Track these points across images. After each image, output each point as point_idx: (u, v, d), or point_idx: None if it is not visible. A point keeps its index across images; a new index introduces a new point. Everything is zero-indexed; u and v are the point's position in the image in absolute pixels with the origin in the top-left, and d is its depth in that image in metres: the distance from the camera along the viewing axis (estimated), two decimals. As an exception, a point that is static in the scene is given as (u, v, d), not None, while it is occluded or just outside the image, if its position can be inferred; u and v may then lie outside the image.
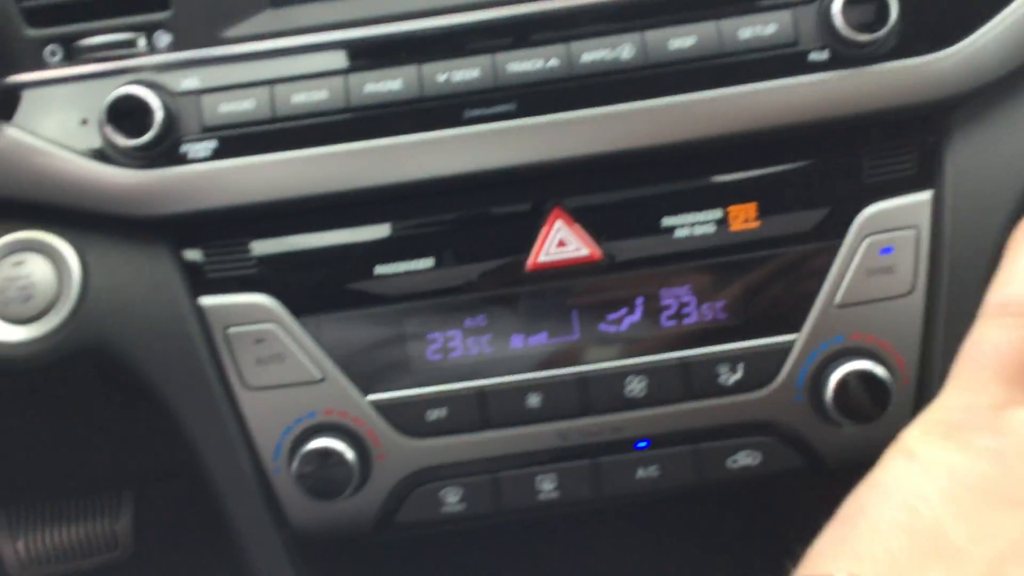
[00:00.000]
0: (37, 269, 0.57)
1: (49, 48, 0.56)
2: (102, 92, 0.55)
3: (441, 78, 0.55)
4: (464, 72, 0.55)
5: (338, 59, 0.56)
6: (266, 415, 0.57)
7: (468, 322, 0.58)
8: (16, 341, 0.55)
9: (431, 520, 0.59)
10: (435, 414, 0.57)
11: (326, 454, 0.56)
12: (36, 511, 1.21)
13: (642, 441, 0.58)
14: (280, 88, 0.55)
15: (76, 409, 0.67)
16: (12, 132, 0.56)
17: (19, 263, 0.57)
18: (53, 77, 0.56)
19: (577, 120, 0.55)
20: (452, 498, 0.58)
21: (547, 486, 0.58)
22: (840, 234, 0.57)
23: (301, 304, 0.57)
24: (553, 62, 0.55)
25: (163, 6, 0.55)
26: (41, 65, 0.56)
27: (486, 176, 0.56)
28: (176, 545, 1.34)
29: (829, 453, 0.58)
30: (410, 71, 0.55)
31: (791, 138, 0.57)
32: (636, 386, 0.57)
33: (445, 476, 0.58)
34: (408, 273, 0.57)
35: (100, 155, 0.56)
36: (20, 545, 1.22)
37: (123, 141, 0.54)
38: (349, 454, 0.56)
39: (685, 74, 0.55)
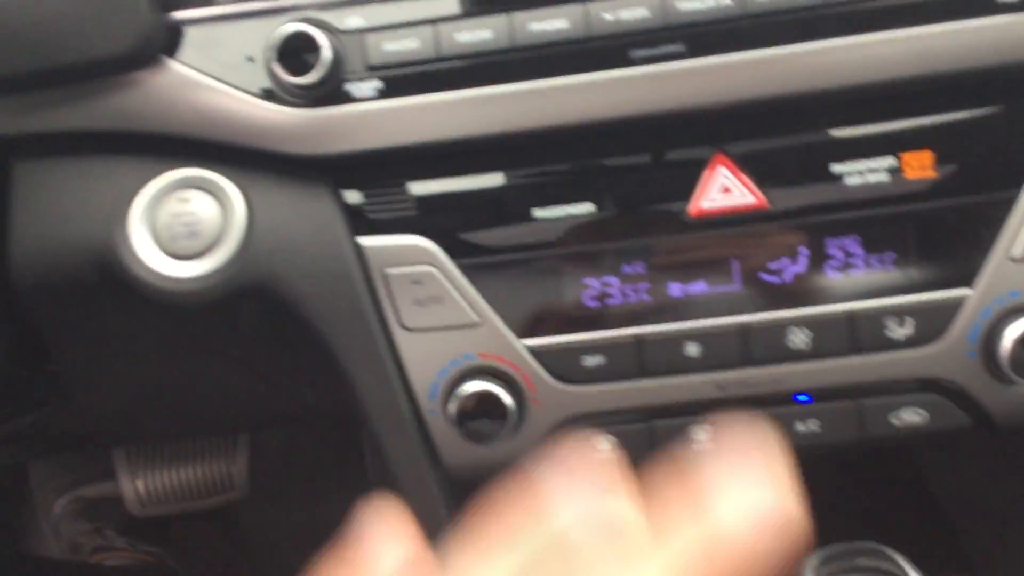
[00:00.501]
0: (202, 206, 0.57)
1: (216, -15, 0.57)
2: (268, 29, 0.55)
3: (608, 16, 0.54)
4: (632, 11, 0.53)
5: (496, 7, 0.55)
6: (423, 356, 0.57)
7: (626, 268, 0.57)
8: (183, 277, 0.56)
9: (583, 467, 0.58)
10: (591, 361, 0.57)
11: (484, 397, 0.56)
12: (155, 451, 1.25)
13: (802, 394, 0.57)
14: (444, 27, 0.55)
15: (218, 349, 0.68)
16: (178, 67, 0.56)
17: (184, 200, 0.57)
18: (220, 14, 0.56)
19: (748, 62, 0.53)
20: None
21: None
22: (1019, 184, 0.54)
23: (459, 247, 0.57)
24: (725, 1, 0.53)
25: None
26: (207, 2, 0.56)
27: (652, 119, 0.54)
28: (286, 489, 1.38)
29: (1000, 413, 0.56)
30: (576, 9, 0.54)
31: (971, 83, 0.54)
32: (799, 338, 0.56)
33: (599, 423, 0.58)
34: (566, 217, 0.57)
35: (266, 93, 0.56)
36: (140, 483, 1.26)
37: (291, 79, 0.54)
38: (506, 398, 0.56)
39: (864, 14, 0.53)
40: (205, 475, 1.28)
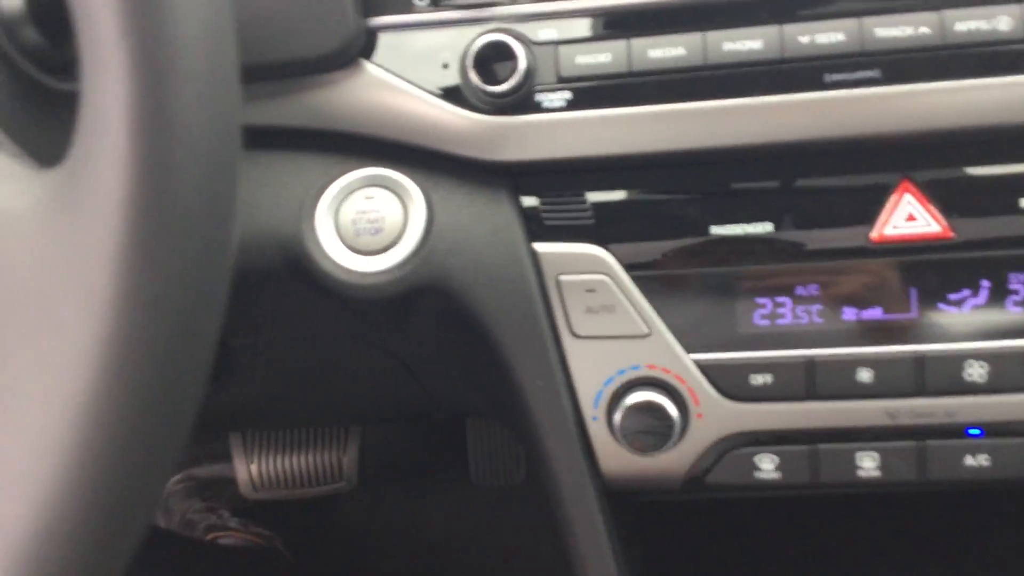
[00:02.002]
0: (386, 204, 0.59)
1: (420, -7, 0.59)
2: (464, 38, 0.57)
3: (804, 39, 0.54)
4: (828, 35, 0.54)
5: (693, 15, 0.56)
6: (590, 364, 0.58)
7: (800, 290, 0.57)
8: (365, 271, 0.58)
9: (743, 484, 0.59)
10: (759, 379, 0.57)
11: (651, 408, 0.57)
12: (270, 437, 1.29)
13: (975, 428, 0.56)
14: (637, 42, 0.56)
15: (379, 343, 0.70)
16: (373, 70, 0.58)
17: (369, 197, 0.59)
18: (420, 21, 0.58)
19: (944, 91, 0.53)
20: (767, 465, 0.58)
21: (868, 464, 0.57)
22: None
23: (633, 258, 0.58)
24: (924, 30, 0.53)
25: (530, -43, 0.56)
26: (409, 8, 0.58)
27: (840, 143, 0.54)
28: (388, 484, 1.40)
29: None
30: (771, 31, 0.54)
31: None
32: (975, 371, 0.55)
33: (762, 442, 0.58)
34: (744, 236, 0.57)
35: (457, 98, 0.57)
36: (254, 468, 1.30)
37: (486, 87, 0.56)
38: (673, 410, 0.57)
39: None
40: (316, 464, 1.31)
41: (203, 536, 1.30)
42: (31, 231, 0.28)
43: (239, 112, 0.30)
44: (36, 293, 0.28)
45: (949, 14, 0.53)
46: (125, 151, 0.27)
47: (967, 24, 0.53)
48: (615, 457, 0.59)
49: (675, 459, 0.59)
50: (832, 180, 0.57)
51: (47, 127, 0.47)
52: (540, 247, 0.59)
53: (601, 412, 0.59)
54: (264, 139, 0.61)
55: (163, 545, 1.18)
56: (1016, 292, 0.55)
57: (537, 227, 0.59)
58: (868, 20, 0.53)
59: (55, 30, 0.47)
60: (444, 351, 0.67)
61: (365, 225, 0.59)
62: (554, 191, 0.59)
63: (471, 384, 0.68)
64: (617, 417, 0.57)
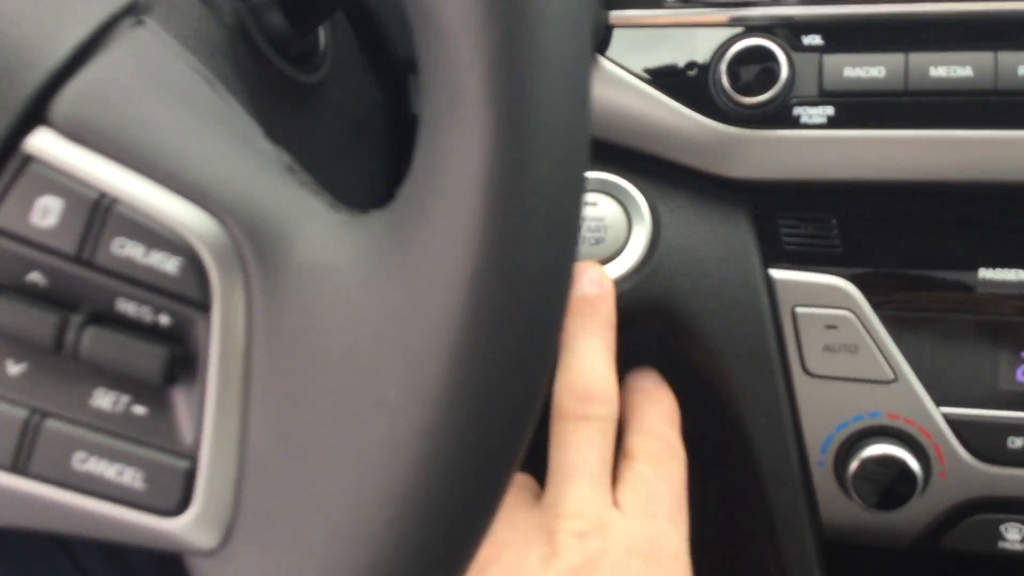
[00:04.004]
0: (610, 212, 0.55)
1: (671, -12, 0.53)
2: (716, 39, 0.52)
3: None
4: None
5: (984, 32, 0.49)
6: (823, 406, 0.53)
7: (1075, 347, 0.51)
8: (585, 285, 0.54)
9: (983, 552, 0.53)
10: (1019, 442, 0.51)
11: (892, 462, 0.51)
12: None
13: None
14: (916, 57, 0.49)
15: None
16: (609, 67, 0.54)
17: (594, 204, 0.55)
18: (668, 18, 0.53)
19: None
20: (1014, 535, 0.52)
21: None
22: None
23: (883, 295, 0.52)
24: None
25: (801, -47, 0.51)
26: (657, 4, 0.53)
27: None
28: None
29: None
30: None
31: None
32: None
33: (1011, 510, 0.52)
34: (1016, 283, 0.51)
35: (701, 105, 0.52)
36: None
37: (741, 96, 0.50)
38: (915, 466, 0.51)
39: None
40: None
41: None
42: (350, 290, 0.25)
43: (586, 182, 0.25)
44: (357, 362, 0.25)
45: None
46: (480, 222, 0.23)
47: None
48: (838, 507, 0.55)
49: (908, 518, 0.54)
50: None
51: (291, 118, 0.44)
52: (777, 274, 0.54)
53: (828, 459, 0.54)
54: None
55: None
56: None
57: (775, 250, 0.54)
58: None
59: (299, 18, 0.44)
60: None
61: (587, 234, 0.55)
62: (799, 214, 0.54)
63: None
64: (852, 467, 0.52)
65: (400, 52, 0.56)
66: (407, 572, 0.24)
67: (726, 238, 0.54)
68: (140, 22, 0.29)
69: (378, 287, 0.25)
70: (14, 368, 0.26)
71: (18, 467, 0.26)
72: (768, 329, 0.53)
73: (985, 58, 0.49)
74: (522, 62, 0.23)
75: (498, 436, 0.25)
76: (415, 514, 0.24)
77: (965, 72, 0.49)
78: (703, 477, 0.56)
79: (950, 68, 0.49)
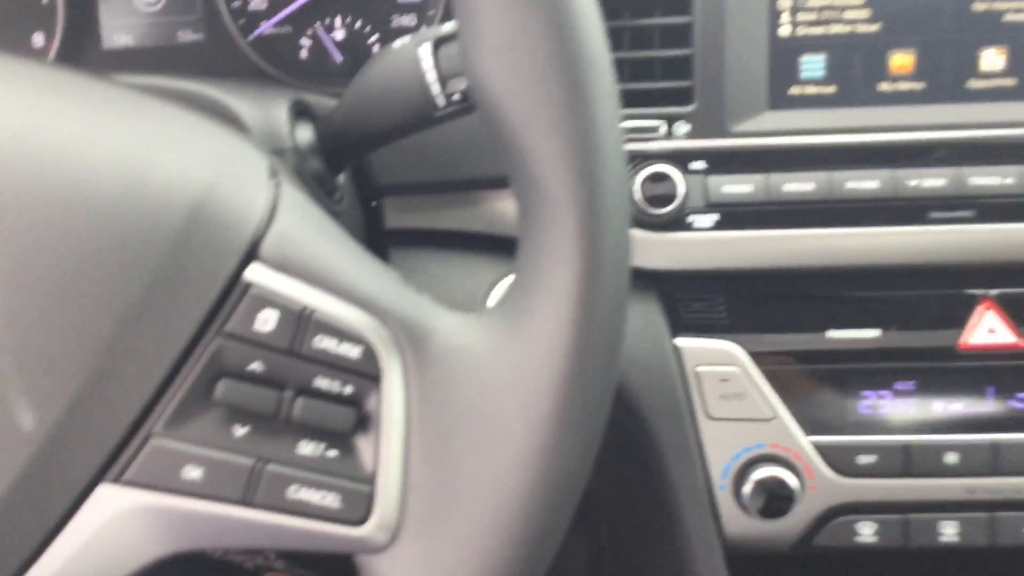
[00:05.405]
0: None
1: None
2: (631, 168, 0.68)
3: (912, 183, 0.66)
4: (932, 180, 0.66)
5: (822, 158, 0.68)
6: (722, 441, 0.69)
7: (899, 385, 0.69)
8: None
9: (844, 547, 0.70)
10: (864, 459, 0.69)
11: (776, 482, 0.68)
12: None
13: (1038, 503, 0.69)
14: (774, 177, 0.67)
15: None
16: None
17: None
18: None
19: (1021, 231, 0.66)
20: (866, 531, 0.70)
21: (949, 531, 0.69)
22: None
23: (761, 353, 0.69)
24: (1009, 180, 0.66)
25: (688, 101, 0.68)
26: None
27: (938, 267, 0.67)
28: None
29: None
30: (886, 174, 0.67)
31: None
32: (1041, 457, 0.68)
33: (862, 511, 0.70)
34: (856, 339, 0.69)
35: (619, 215, 0.68)
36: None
37: (651, 209, 0.67)
38: (794, 483, 0.68)
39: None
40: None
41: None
42: (479, 360, 0.38)
43: (629, 279, 0.40)
44: (489, 406, 0.38)
45: (1029, 168, 0.66)
46: (569, 317, 0.37)
47: (1044, 178, 0.66)
48: (737, 521, 0.70)
49: (789, 525, 0.70)
50: (931, 296, 0.69)
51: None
52: (681, 342, 0.70)
53: (728, 482, 0.70)
54: (439, 241, 0.71)
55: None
56: (1074, 393, 0.68)
57: (679, 323, 0.70)
58: (965, 169, 0.66)
59: (333, 163, 0.57)
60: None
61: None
62: (695, 294, 0.70)
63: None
64: (746, 489, 0.68)
65: (380, 179, 0.70)
66: (529, 553, 0.38)
67: (643, 316, 0.70)
68: (280, 183, 0.42)
69: (501, 357, 0.38)
70: (239, 431, 0.38)
71: (246, 500, 0.37)
72: (677, 385, 0.69)
73: (822, 177, 0.67)
74: (598, 216, 0.37)
75: (582, 457, 0.38)
76: (535, 510, 0.37)
77: (810, 187, 0.67)
78: (621, 510, 0.71)
79: (800, 184, 0.67)
